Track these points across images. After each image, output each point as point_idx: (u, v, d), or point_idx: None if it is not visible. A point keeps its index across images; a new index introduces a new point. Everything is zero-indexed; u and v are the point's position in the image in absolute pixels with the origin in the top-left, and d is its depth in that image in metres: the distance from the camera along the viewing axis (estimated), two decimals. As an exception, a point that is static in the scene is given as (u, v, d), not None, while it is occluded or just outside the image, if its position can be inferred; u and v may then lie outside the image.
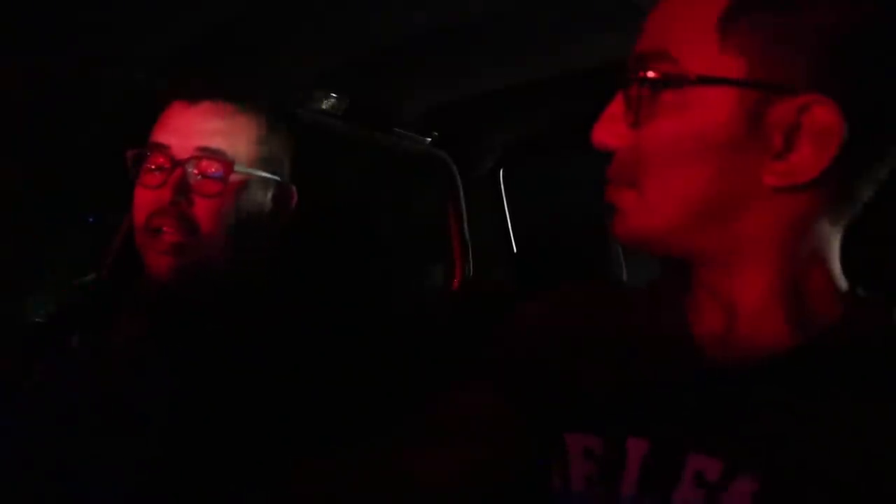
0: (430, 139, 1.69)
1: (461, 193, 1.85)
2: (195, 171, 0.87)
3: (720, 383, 0.52)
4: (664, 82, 0.51)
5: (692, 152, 0.51)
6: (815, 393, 0.49)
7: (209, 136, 0.87)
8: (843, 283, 0.54)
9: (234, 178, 0.87)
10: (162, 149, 0.87)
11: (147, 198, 0.87)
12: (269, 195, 0.93)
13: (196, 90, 0.90)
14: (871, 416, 0.48)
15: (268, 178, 0.92)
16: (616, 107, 0.55)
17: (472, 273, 1.87)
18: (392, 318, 1.21)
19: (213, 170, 0.87)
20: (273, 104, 0.95)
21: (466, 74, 1.38)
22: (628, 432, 0.54)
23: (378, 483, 0.57)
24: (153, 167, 0.88)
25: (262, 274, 0.93)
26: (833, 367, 0.50)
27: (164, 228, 0.86)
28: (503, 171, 1.90)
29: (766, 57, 0.49)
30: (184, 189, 0.86)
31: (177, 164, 0.86)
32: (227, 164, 0.86)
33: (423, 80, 1.42)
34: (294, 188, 0.96)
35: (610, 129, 0.55)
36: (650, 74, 0.52)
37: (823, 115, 0.48)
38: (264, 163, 0.91)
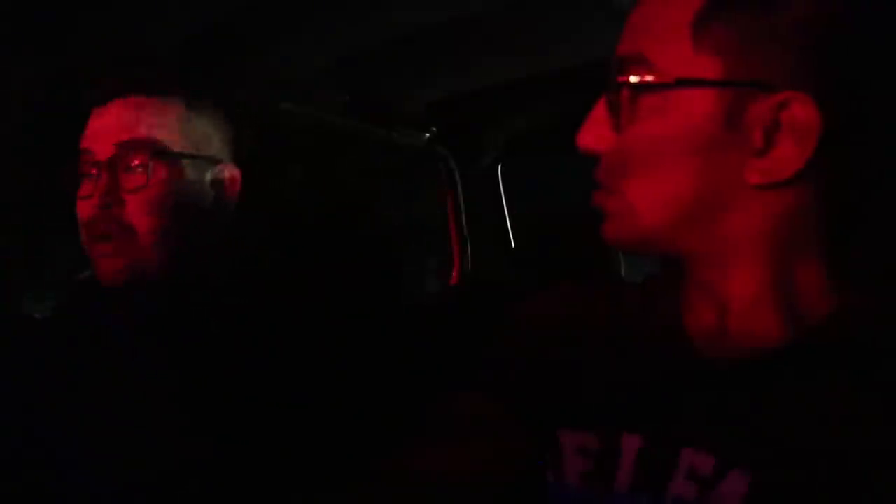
0: (428, 135, 1.70)
1: (460, 189, 1.86)
2: (121, 169, 0.84)
3: (713, 379, 0.53)
4: (642, 87, 0.52)
5: (674, 154, 0.52)
6: (807, 388, 0.49)
7: (124, 130, 0.85)
8: (833, 278, 0.54)
9: (160, 165, 0.84)
10: (87, 155, 0.86)
11: (83, 210, 0.86)
12: (207, 176, 0.89)
13: (104, 92, 0.87)
14: (862, 410, 0.48)
15: (199, 159, 0.88)
16: (600, 111, 0.55)
17: (470, 268, 1.88)
18: (393, 314, 1.21)
19: (135, 162, 0.84)
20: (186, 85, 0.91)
21: (466, 71, 1.39)
22: (622, 428, 0.55)
23: (378, 484, 0.57)
24: (85, 177, 0.86)
25: (239, 266, 0.91)
26: (825, 363, 0.50)
27: (99, 235, 0.84)
28: (501, 167, 1.91)
29: (742, 55, 0.49)
30: (112, 190, 0.84)
31: (101, 166, 0.84)
32: (146, 153, 0.84)
33: (422, 77, 1.43)
34: (234, 166, 0.92)
35: (594, 134, 0.55)
36: (628, 79, 0.52)
37: (802, 112, 0.48)
38: (191, 143, 0.88)
